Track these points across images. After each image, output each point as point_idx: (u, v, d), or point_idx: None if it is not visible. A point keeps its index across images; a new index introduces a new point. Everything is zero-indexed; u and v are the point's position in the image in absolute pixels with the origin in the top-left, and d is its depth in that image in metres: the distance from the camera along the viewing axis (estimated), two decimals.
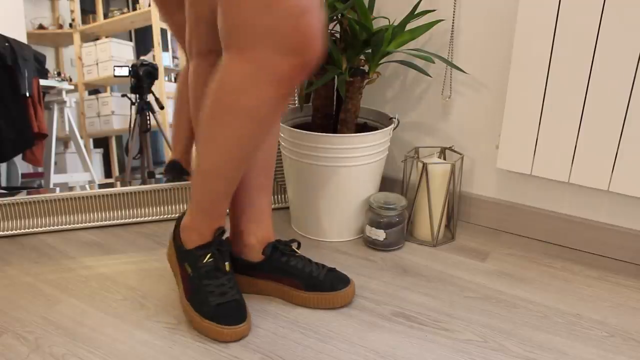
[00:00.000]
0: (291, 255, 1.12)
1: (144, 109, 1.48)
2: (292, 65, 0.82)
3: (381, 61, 1.33)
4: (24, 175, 1.42)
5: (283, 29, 0.79)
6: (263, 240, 1.14)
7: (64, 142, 1.44)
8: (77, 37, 1.42)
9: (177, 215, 1.49)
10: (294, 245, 1.15)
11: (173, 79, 1.51)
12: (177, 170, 1.49)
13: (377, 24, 1.48)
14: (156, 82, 1.48)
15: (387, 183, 1.62)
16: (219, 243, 1.07)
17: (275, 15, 0.78)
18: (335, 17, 1.32)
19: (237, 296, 1.04)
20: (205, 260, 1.05)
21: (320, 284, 1.10)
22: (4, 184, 1.40)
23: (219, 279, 1.04)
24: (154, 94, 1.49)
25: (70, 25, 1.41)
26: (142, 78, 1.46)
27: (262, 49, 0.81)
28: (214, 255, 1.06)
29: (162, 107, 1.50)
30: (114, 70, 1.45)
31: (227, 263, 1.07)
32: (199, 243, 1.06)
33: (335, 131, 1.41)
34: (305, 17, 0.80)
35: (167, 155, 1.53)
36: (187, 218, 1.08)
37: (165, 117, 1.51)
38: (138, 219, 1.46)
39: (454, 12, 1.38)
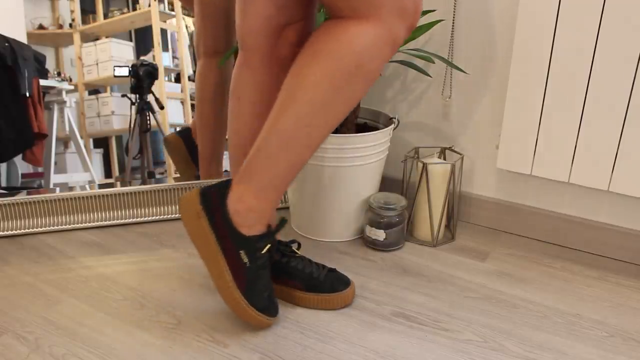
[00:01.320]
0: (291, 256, 1.12)
1: (144, 109, 1.48)
2: (406, 28, 0.91)
3: None
4: (24, 175, 1.42)
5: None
6: None
7: (64, 142, 1.44)
8: (77, 37, 1.42)
9: (176, 215, 1.48)
10: (294, 246, 1.15)
11: (173, 79, 1.51)
12: (185, 136, 1.50)
13: None
14: (156, 82, 1.48)
15: (387, 183, 1.62)
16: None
17: None
18: None
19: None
20: (263, 251, 1.00)
21: (321, 285, 1.10)
22: (4, 184, 1.40)
23: (267, 270, 1.02)
24: (153, 94, 1.49)
25: (70, 25, 1.41)
26: (142, 78, 1.46)
27: (389, 14, 0.88)
28: (271, 249, 1.02)
29: (162, 107, 1.50)
30: (114, 70, 1.45)
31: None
32: (258, 230, 0.99)
33: (335, 131, 1.41)
34: None
35: (167, 155, 1.53)
36: (249, 198, 0.97)
37: (165, 117, 1.51)
38: (138, 219, 1.46)
39: (454, 12, 1.38)
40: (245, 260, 0.98)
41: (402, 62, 1.32)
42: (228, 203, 0.98)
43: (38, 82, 1.39)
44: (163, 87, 1.50)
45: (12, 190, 1.40)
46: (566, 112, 1.24)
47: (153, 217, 1.47)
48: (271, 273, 1.12)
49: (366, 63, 0.90)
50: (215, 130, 1.49)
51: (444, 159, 1.44)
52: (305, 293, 1.11)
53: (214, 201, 0.99)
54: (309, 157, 0.96)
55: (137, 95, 1.47)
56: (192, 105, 1.53)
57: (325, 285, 1.10)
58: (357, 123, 1.46)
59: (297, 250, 1.14)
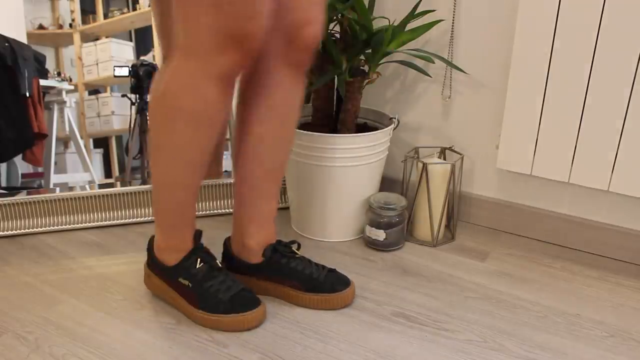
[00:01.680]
0: (291, 257, 1.12)
1: (144, 109, 1.48)
2: (232, 61, 0.87)
3: (381, 61, 1.33)
4: (24, 175, 1.42)
5: (228, 29, 0.84)
6: (263, 244, 1.13)
7: (64, 142, 1.44)
8: (77, 37, 1.42)
9: None
10: (294, 247, 1.14)
11: None
12: None
13: (377, 24, 1.48)
14: None
15: (387, 183, 1.62)
16: (201, 246, 1.08)
17: (221, 17, 0.83)
18: (335, 17, 1.32)
19: (243, 286, 1.05)
20: (197, 266, 1.05)
21: (320, 285, 1.10)
22: (4, 184, 1.40)
23: (218, 277, 1.05)
24: None
25: (70, 25, 1.41)
26: (142, 78, 1.46)
27: (207, 47, 0.86)
28: (204, 259, 1.06)
29: None
30: (114, 70, 1.45)
31: (217, 261, 1.09)
32: (180, 257, 1.06)
33: (335, 131, 1.41)
34: (250, 22, 0.85)
35: None
36: (159, 240, 1.07)
37: None
38: (138, 219, 1.46)
39: (453, 12, 1.38)
40: (186, 283, 1.05)
41: (402, 62, 1.32)
42: (154, 250, 1.09)
43: (38, 82, 1.39)
44: None
45: (12, 190, 1.40)
46: (566, 112, 1.24)
47: (153, 217, 1.47)
48: (271, 274, 1.12)
49: (184, 102, 0.90)
50: None
51: (444, 159, 1.44)
52: (305, 293, 1.11)
53: (149, 255, 1.11)
54: (185, 198, 1.01)
55: (137, 95, 1.47)
56: None
57: (325, 285, 1.10)
58: (357, 123, 1.46)
59: (297, 251, 1.14)
